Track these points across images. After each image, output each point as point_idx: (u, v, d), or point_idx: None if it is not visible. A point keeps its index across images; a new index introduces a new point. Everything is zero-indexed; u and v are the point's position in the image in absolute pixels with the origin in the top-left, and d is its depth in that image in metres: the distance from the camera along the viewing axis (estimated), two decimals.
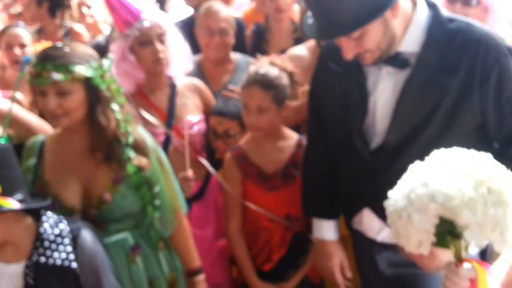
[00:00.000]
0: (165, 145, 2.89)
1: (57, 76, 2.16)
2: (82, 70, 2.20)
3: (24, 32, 3.88)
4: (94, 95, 2.25)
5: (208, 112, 3.11)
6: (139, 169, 2.33)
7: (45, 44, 3.85)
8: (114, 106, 2.31)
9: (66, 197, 2.28)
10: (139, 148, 2.36)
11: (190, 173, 2.78)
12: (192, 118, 3.03)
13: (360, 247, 2.50)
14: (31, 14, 4.87)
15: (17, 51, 3.78)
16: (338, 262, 2.52)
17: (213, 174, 2.96)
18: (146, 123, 2.84)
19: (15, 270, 2.02)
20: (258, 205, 2.82)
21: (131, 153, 2.32)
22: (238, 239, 2.87)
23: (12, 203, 1.93)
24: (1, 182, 1.91)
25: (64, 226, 2.07)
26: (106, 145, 2.30)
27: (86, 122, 2.28)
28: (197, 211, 2.96)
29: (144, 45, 2.87)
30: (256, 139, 2.87)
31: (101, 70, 2.27)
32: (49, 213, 2.10)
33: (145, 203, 2.37)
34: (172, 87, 3.04)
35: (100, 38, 4.31)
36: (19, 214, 2.03)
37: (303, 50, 3.33)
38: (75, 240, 2.05)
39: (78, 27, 4.71)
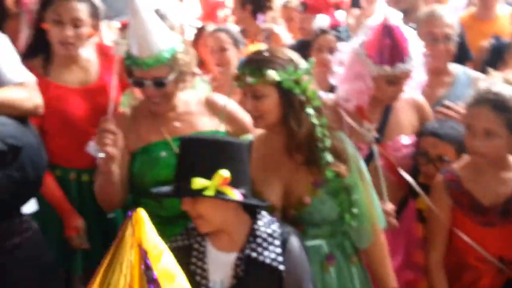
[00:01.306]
0: (367, 160, 2.68)
1: (250, 79, 2.25)
2: (273, 74, 2.24)
3: (225, 36, 4.02)
4: (288, 98, 2.27)
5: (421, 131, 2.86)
6: (338, 175, 2.31)
7: (254, 47, 3.92)
8: (309, 110, 2.29)
9: (268, 195, 2.29)
10: (339, 154, 2.34)
11: (390, 206, 2.60)
12: (403, 139, 2.81)
13: None
14: (236, 16, 4.98)
15: (217, 55, 3.98)
16: None
17: (423, 197, 2.70)
18: (353, 133, 2.69)
19: (228, 259, 2.08)
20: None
21: (330, 158, 2.31)
22: (439, 271, 2.63)
23: (237, 194, 2.00)
24: (232, 174, 1.98)
25: (276, 227, 2.10)
26: (304, 148, 2.30)
27: (282, 124, 2.30)
28: (387, 237, 2.72)
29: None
30: (476, 165, 2.59)
31: (296, 74, 2.27)
32: (264, 212, 2.14)
33: (342, 210, 2.34)
34: None
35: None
36: (239, 207, 2.10)
37: None
38: (284, 243, 2.07)
39: (278, 29, 4.71)
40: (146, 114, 2.60)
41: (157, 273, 1.36)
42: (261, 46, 4.05)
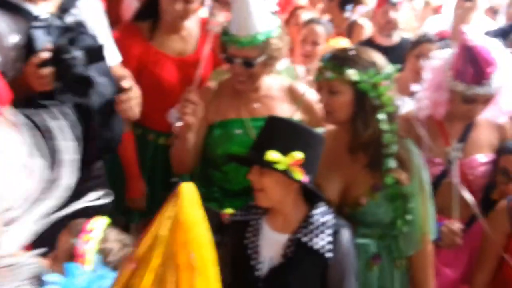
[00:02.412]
0: (441, 175, 2.70)
1: (329, 74, 2.31)
2: (352, 73, 2.28)
3: (321, 30, 4.03)
4: (361, 100, 2.31)
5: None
6: (398, 182, 2.33)
7: (336, 41, 3.94)
8: (381, 116, 2.31)
9: (327, 190, 2.33)
10: (403, 162, 2.36)
11: (457, 226, 2.61)
12: (481, 157, 2.77)
13: None
14: (324, 5, 5.01)
15: (308, 47, 3.98)
16: None
17: (481, 221, 2.70)
18: (427, 146, 2.69)
19: (280, 239, 2.18)
20: None
21: (393, 164, 2.33)
22: None
23: (303, 177, 2.09)
24: (306, 160, 2.08)
25: (330, 218, 2.17)
26: (368, 151, 2.34)
27: (351, 123, 2.35)
28: (449, 250, 2.74)
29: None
30: None
31: (375, 78, 2.29)
32: (321, 203, 2.21)
33: (396, 215, 2.37)
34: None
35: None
36: (299, 192, 2.18)
37: None
38: (335, 234, 2.14)
39: (363, 21, 4.70)
40: (229, 91, 2.71)
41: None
42: (342, 40, 4.09)
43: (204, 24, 3.14)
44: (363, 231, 2.36)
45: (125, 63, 2.73)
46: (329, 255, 2.11)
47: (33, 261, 1.18)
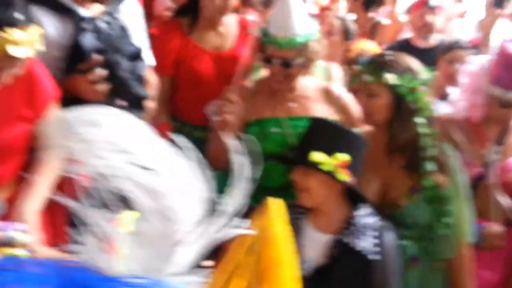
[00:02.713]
0: (479, 178, 2.73)
1: (367, 77, 2.37)
2: (390, 77, 2.32)
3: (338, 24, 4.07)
4: (398, 103, 2.36)
5: None
6: (436, 185, 2.37)
7: (363, 43, 3.96)
8: (419, 120, 2.35)
9: (365, 191, 2.35)
10: (441, 165, 2.41)
11: (496, 228, 2.65)
12: None
13: None
14: (349, 5, 5.04)
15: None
16: None
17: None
18: (465, 150, 2.73)
19: (322, 239, 2.20)
20: None
21: (431, 167, 2.36)
22: None
23: (349, 179, 2.12)
24: (351, 162, 2.11)
25: (374, 219, 2.19)
26: (406, 153, 2.38)
27: (388, 126, 2.40)
28: (487, 253, 2.76)
29: None
30: None
31: (412, 83, 2.34)
32: (365, 205, 2.23)
33: (434, 218, 2.40)
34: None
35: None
36: (343, 194, 2.21)
37: None
38: (379, 236, 2.15)
39: (386, 22, 4.76)
40: (266, 90, 2.74)
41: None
42: (369, 43, 4.12)
43: (243, 23, 3.21)
44: (402, 233, 2.37)
45: (164, 56, 2.80)
46: (372, 256, 2.12)
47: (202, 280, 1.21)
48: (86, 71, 2.38)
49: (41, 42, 1.95)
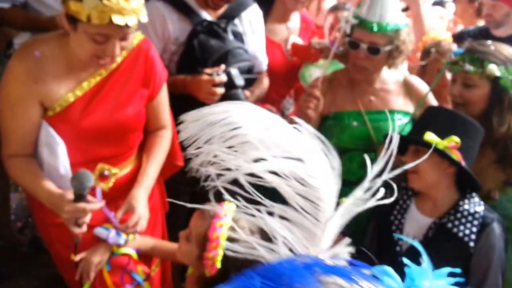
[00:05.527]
0: None
1: (469, 67, 2.31)
2: (493, 68, 2.28)
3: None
4: (499, 95, 2.32)
5: None
6: None
7: (435, 35, 3.89)
8: None
9: None
10: None
11: None
12: None
13: None
14: None
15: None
16: None
17: None
18: None
19: (425, 221, 2.21)
20: None
21: None
22: None
23: (461, 161, 2.11)
24: (462, 146, 2.10)
25: (480, 210, 2.17)
26: (500, 147, 2.36)
27: (483, 118, 2.34)
28: None
29: None
30: None
31: None
32: (475, 194, 2.21)
33: None
34: None
35: None
36: (453, 180, 2.19)
37: None
38: (483, 226, 2.13)
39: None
40: (344, 83, 2.73)
41: None
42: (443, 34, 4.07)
43: (304, 19, 3.47)
44: None
45: None
46: (472, 244, 2.11)
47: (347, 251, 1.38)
48: (210, 74, 2.51)
49: (144, 14, 1.96)
